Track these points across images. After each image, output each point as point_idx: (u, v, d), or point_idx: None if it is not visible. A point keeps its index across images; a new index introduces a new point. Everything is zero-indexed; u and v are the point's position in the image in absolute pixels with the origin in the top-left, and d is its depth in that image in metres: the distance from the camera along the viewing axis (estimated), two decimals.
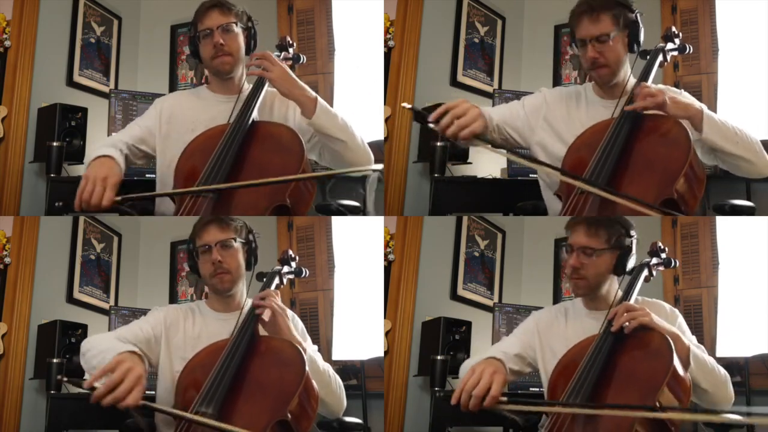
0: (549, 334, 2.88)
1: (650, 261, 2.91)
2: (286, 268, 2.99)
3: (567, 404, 2.63)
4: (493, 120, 2.95)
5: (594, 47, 2.86)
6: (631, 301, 2.78)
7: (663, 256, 2.93)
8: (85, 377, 3.84)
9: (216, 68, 3.06)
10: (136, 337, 2.81)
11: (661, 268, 2.94)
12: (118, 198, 2.87)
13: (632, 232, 2.82)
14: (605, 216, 2.79)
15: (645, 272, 2.88)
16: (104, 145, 3.02)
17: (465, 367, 2.82)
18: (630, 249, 2.82)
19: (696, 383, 2.70)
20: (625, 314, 2.68)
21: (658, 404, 2.58)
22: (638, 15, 2.91)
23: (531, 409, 2.66)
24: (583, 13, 2.87)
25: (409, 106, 2.94)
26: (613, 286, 2.84)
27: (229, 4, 3.06)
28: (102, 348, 2.73)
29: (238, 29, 3.05)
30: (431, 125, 2.82)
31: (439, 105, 4.04)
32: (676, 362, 2.63)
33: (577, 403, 2.62)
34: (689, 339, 2.75)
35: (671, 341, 2.65)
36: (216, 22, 3.03)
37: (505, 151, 2.97)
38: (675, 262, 2.97)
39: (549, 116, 3.00)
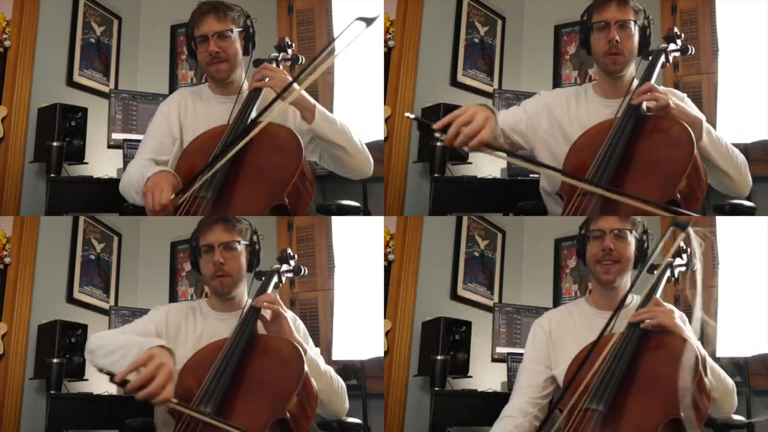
0: (559, 328, 2.92)
1: (673, 262, 2.93)
2: (284, 267, 2.99)
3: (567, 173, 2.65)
4: (498, 125, 2.94)
5: (616, 30, 2.88)
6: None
7: (684, 257, 2.94)
8: (85, 377, 3.86)
9: (212, 75, 3.06)
10: (147, 333, 2.81)
11: (683, 269, 2.95)
12: (172, 196, 2.87)
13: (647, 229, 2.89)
14: None
15: (668, 273, 2.89)
16: (139, 167, 2.98)
17: None
18: (647, 244, 2.88)
19: None
20: (648, 312, 2.71)
21: (682, 414, 2.59)
22: (651, 23, 2.97)
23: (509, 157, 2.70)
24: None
25: (413, 115, 2.90)
26: (627, 282, 2.87)
27: (225, 9, 3.03)
28: (118, 344, 2.70)
29: (234, 35, 3.03)
30: (437, 135, 2.74)
31: (438, 106, 4.04)
32: (700, 368, 2.65)
33: (589, 180, 2.63)
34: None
35: (692, 348, 2.66)
36: (211, 28, 3.01)
37: (504, 154, 2.95)
38: (697, 265, 2.98)
39: (552, 117, 3.00)
